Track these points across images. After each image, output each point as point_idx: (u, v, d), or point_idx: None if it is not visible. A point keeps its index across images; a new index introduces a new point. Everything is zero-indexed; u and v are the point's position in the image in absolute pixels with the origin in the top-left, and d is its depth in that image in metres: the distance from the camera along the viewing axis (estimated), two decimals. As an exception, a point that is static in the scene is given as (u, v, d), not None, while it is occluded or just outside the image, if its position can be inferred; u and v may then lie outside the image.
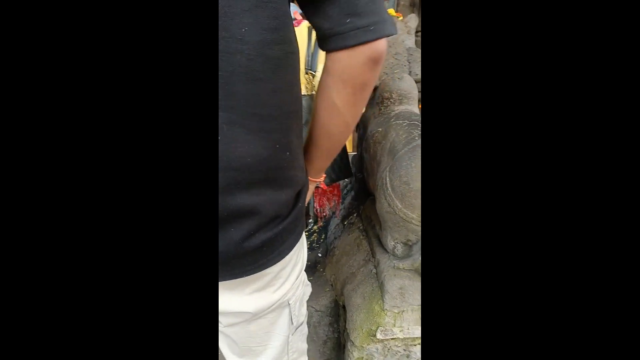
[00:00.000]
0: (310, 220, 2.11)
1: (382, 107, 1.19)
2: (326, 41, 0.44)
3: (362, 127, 1.34)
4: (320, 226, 1.75)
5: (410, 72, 1.23)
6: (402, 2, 2.73)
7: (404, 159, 0.88)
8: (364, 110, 0.72)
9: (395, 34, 0.46)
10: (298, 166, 0.53)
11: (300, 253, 0.60)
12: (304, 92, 1.23)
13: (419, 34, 1.81)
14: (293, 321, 0.62)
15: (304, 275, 0.64)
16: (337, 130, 0.53)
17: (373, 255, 1.16)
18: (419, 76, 1.23)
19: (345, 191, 1.71)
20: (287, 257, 0.54)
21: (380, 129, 1.10)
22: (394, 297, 0.97)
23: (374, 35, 0.43)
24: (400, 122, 1.02)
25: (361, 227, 1.33)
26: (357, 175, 1.46)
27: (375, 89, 1.25)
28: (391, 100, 1.15)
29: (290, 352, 0.65)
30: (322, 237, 1.66)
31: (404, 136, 0.95)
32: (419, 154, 0.84)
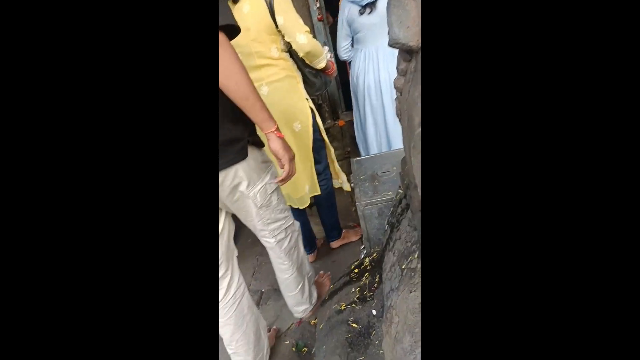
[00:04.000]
0: (362, 247, 1.64)
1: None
2: None
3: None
4: (374, 259, 1.27)
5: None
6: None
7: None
8: (233, 73, 0.88)
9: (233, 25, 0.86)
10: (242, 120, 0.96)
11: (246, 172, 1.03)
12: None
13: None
14: (257, 204, 1.10)
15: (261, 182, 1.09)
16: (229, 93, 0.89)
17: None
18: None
19: (399, 209, 1.21)
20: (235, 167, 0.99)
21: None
22: None
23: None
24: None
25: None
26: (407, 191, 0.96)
27: (415, 52, 0.74)
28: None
29: (264, 219, 1.15)
30: (377, 279, 1.18)
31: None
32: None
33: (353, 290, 1.20)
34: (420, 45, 0.72)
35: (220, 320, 1.11)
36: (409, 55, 0.77)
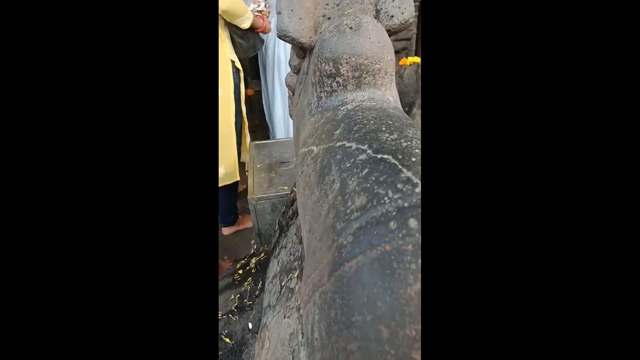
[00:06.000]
0: (252, 242, 1.53)
1: (322, 92, 0.56)
2: None
3: (292, 101, 0.72)
4: (260, 262, 1.17)
5: (378, 10, 0.58)
6: None
7: (353, 283, 0.29)
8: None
9: None
10: None
11: None
12: None
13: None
14: None
15: None
16: None
17: None
18: (405, 17, 0.59)
19: (290, 211, 1.11)
20: None
21: (314, 148, 0.49)
22: None
23: None
24: (354, 145, 0.40)
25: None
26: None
27: (308, 50, 0.61)
28: (338, 78, 0.52)
29: None
30: (259, 285, 1.08)
31: (361, 198, 0.34)
32: (393, 265, 0.27)
33: (232, 297, 1.09)
34: (313, 43, 0.58)
35: None
36: (302, 52, 0.63)
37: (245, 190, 2.12)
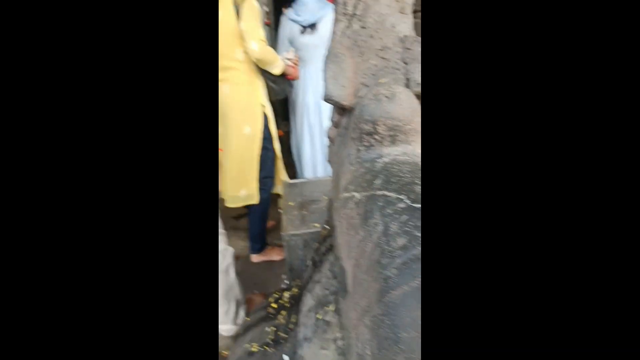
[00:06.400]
0: (284, 277, 1.60)
1: (361, 146, 0.67)
2: None
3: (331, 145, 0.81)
4: (294, 296, 1.24)
5: (408, 79, 0.70)
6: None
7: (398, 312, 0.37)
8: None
9: None
10: None
11: None
12: None
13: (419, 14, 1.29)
14: None
15: None
16: None
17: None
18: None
19: (323, 248, 1.19)
20: None
21: (355, 194, 0.58)
22: None
23: None
24: (393, 194, 0.49)
25: (340, 340, 0.81)
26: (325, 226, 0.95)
27: (348, 110, 0.72)
28: (375, 135, 0.63)
29: None
30: (292, 319, 1.14)
31: (402, 239, 0.43)
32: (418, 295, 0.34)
33: (268, 329, 1.15)
34: (353, 105, 0.70)
35: None
36: (342, 111, 0.75)
37: (274, 225, 2.22)
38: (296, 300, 1.21)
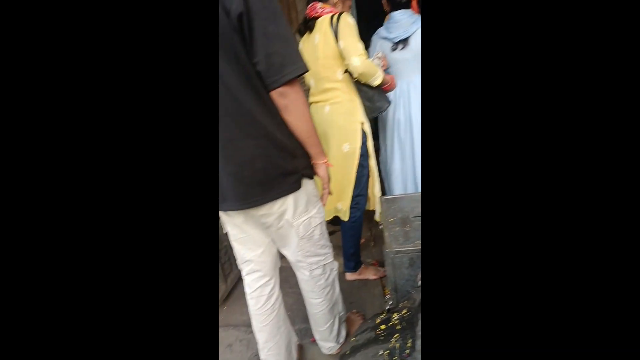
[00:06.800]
0: (387, 297, 1.54)
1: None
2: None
3: None
4: (404, 318, 1.17)
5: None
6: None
7: None
8: (305, 113, 0.99)
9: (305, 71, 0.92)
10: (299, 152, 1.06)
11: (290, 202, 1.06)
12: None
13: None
14: (299, 235, 1.13)
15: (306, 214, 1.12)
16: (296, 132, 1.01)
17: None
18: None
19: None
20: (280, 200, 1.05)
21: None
22: None
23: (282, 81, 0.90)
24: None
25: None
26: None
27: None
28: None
29: (303, 251, 1.17)
30: (408, 343, 1.08)
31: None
32: None
33: (381, 352, 1.10)
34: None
35: (257, 325, 1.23)
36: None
37: (366, 242, 2.17)
38: (409, 323, 1.14)
